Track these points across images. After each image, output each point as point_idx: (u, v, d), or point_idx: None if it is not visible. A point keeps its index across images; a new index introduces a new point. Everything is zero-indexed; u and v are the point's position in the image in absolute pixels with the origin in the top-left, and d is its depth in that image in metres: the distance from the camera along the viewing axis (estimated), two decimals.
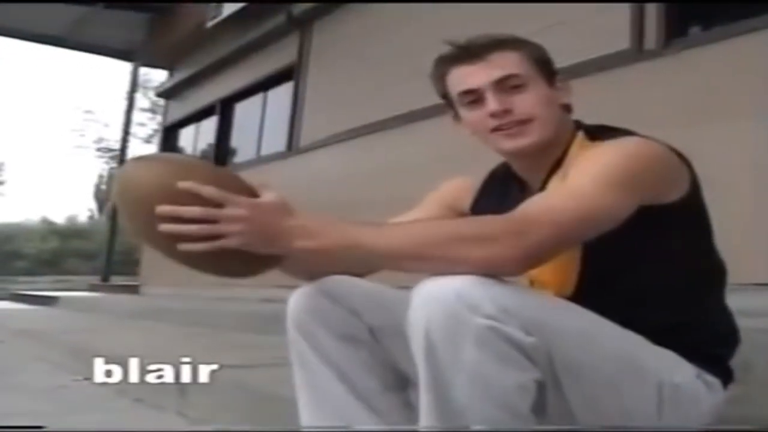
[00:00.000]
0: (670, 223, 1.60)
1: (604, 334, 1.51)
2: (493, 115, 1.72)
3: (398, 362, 1.80)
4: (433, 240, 1.43)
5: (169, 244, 1.51)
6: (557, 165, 1.72)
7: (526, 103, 1.71)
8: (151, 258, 11.73)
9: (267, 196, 1.54)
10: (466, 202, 1.95)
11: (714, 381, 1.63)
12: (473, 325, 1.33)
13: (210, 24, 10.07)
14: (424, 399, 1.40)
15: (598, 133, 1.72)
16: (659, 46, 4.64)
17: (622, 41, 4.81)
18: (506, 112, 1.71)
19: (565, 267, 1.60)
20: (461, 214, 1.93)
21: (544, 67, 1.75)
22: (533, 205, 1.51)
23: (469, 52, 1.75)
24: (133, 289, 11.95)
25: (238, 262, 1.57)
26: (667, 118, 4.16)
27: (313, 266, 1.78)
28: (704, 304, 1.69)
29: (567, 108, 1.80)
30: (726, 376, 1.68)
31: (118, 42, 13.40)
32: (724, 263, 1.74)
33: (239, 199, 1.50)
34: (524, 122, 1.71)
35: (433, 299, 1.36)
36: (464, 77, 1.76)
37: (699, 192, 1.67)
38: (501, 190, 1.88)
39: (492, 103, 1.71)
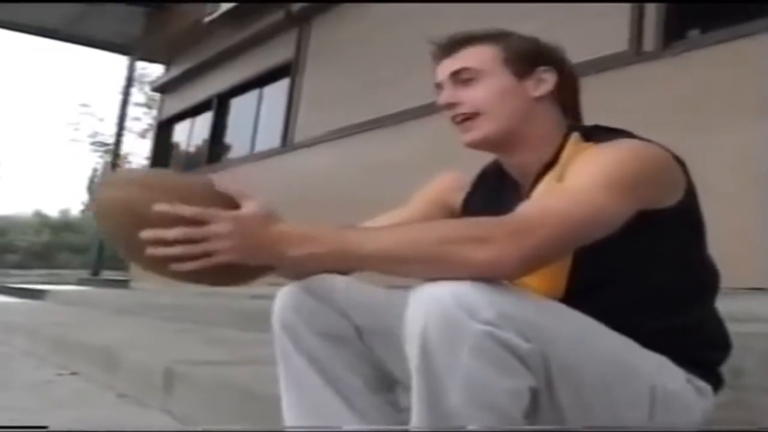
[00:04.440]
0: (665, 228, 1.57)
1: (600, 339, 1.48)
2: (444, 107, 1.74)
3: (384, 362, 1.78)
4: (428, 241, 1.38)
5: (159, 266, 1.50)
6: (550, 164, 1.68)
7: (473, 96, 1.71)
8: None
9: (249, 207, 1.50)
10: (458, 198, 1.91)
11: (704, 386, 1.61)
12: (471, 331, 1.29)
13: (207, 19, 10.05)
14: (416, 401, 1.36)
15: (594, 133, 1.69)
16: (658, 48, 4.62)
17: (621, 43, 4.78)
18: (451, 105, 1.73)
19: (555, 271, 1.56)
20: (452, 210, 1.90)
21: (519, 59, 1.72)
22: (533, 207, 1.48)
23: (442, 48, 1.77)
24: (122, 284, 11.92)
25: (230, 273, 1.55)
26: (665, 120, 4.15)
27: (303, 270, 1.75)
28: (696, 309, 1.65)
29: (562, 103, 1.77)
30: (716, 382, 1.65)
31: (115, 36, 13.38)
32: (717, 269, 1.71)
33: (222, 214, 1.47)
34: (471, 117, 1.71)
35: (432, 302, 1.32)
36: (437, 72, 1.79)
37: (694, 197, 1.64)
38: (493, 188, 1.85)
39: (442, 95, 1.75)
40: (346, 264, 1.55)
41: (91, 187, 42.71)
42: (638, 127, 1.74)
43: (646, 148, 1.58)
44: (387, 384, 1.80)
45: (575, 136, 1.69)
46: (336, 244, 1.45)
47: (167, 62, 12.67)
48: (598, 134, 1.67)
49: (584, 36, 4.84)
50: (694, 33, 4.70)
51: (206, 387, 3.04)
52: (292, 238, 1.47)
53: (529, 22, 5.21)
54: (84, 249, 34.45)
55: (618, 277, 1.59)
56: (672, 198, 1.58)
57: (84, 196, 41.29)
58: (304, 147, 8.11)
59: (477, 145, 1.74)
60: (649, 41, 4.67)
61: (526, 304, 1.39)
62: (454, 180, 1.96)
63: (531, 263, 1.39)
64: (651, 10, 4.68)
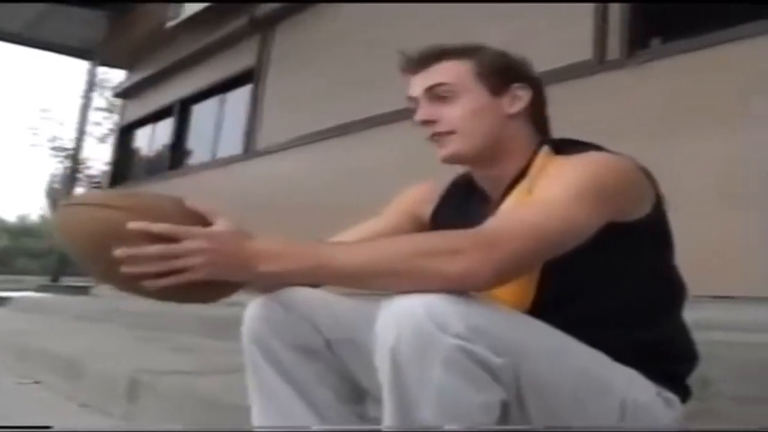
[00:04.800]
0: (633, 240, 1.58)
1: (570, 353, 1.49)
2: (421, 124, 1.75)
3: (354, 374, 1.78)
4: (400, 255, 1.38)
5: (131, 283, 1.48)
6: (520, 176, 1.70)
7: (450, 114, 1.72)
8: None
9: (221, 224, 1.50)
10: (428, 209, 1.92)
11: (673, 398, 1.62)
12: (442, 345, 1.29)
13: (170, 25, 9.97)
14: (387, 413, 1.36)
15: (563, 146, 1.70)
16: (622, 57, 4.64)
17: (585, 52, 4.81)
18: (429, 122, 1.74)
19: (523, 283, 1.56)
20: (422, 222, 1.90)
21: (493, 76, 1.74)
22: (503, 219, 1.49)
23: (414, 62, 1.78)
24: (83, 290, 11.79)
25: (201, 290, 1.53)
26: (629, 129, 4.18)
27: (274, 283, 1.75)
28: (664, 321, 1.67)
29: (533, 118, 1.78)
30: (684, 393, 1.67)
31: (77, 40, 13.22)
32: (683, 281, 1.72)
33: (195, 230, 1.46)
34: (446, 133, 1.73)
35: (403, 315, 1.32)
36: (409, 85, 1.79)
37: (662, 210, 1.66)
38: (463, 199, 1.86)
39: (419, 112, 1.75)
40: (319, 279, 1.54)
41: (50, 192, 42.26)
42: (601, 137, 1.76)
43: (615, 160, 1.59)
44: (356, 395, 1.81)
45: (545, 149, 1.71)
46: (309, 260, 1.45)
47: (129, 67, 12.55)
48: (567, 147, 1.68)
49: (547, 44, 4.87)
50: (656, 42, 4.74)
51: (171, 396, 3.02)
52: (266, 253, 1.46)
53: (492, 30, 5.28)
54: (43, 254, 34.13)
55: (586, 290, 1.60)
56: (640, 210, 1.60)
57: (43, 201, 40.88)
58: (267, 153, 8.06)
59: (452, 160, 1.76)
60: (613, 50, 4.70)
61: (498, 318, 1.40)
62: (424, 192, 1.97)
63: (502, 275, 1.39)
64: (615, 19, 4.70)
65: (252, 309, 1.78)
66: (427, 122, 1.74)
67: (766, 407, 2.25)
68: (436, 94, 1.73)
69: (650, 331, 1.62)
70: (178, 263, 1.45)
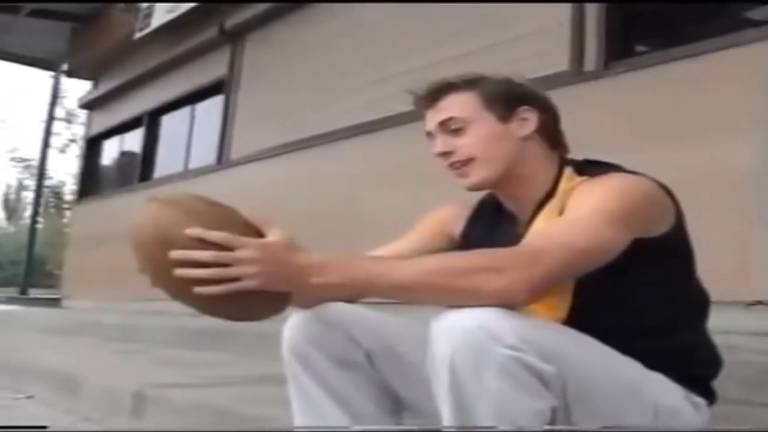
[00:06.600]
0: (658, 254, 1.67)
1: (607, 360, 1.58)
2: (439, 156, 1.84)
3: (394, 386, 1.86)
4: (446, 271, 1.50)
5: (184, 289, 1.55)
6: (546, 197, 1.79)
7: (465, 144, 1.81)
8: (73, 270, 11.56)
9: (274, 234, 1.58)
10: (457, 228, 2.00)
11: (700, 401, 1.72)
12: (496, 355, 1.38)
13: (138, 36, 9.93)
14: (446, 422, 1.44)
15: (586, 167, 1.80)
16: (599, 68, 4.74)
17: (562, 62, 4.91)
18: (447, 153, 1.83)
19: (560, 296, 1.66)
20: (451, 241, 1.98)
21: (499, 102, 1.82)
22: (540, 239, 1.59)
23: (424, 99, 1.87)
24: (53, 303, 11.73)
25: (253, 304, 1.60)
26: (606, 139, 4.25)
27: (319, 298, 1.82)
28: (690, 329, 1.77)
29: (547, 136, 1.86)
30: (711, 397, 1.76)
31: (40, 51, 13.15)
32: (706, 291, 1.82)
33: (248, 241, 1.54)
34: (466, 162, 1.81)
35: (456, 330, 1.41)
36: (426, 121, 1.88)
37: (683, 223, 1.76)
38: (491, 220, 1.95)
39: (437, 145, 1.84)
40: (368, 292, 1.63)
41: (7, 204, 41.78)
42: (580, 147, 1.89)
43: (638, 181, 1.70)
44: (396, 407, 1.89)
45: (569, 170, 1.80)
46: (360, 273, 1.55)
47: (94, 78, 12.48)
48: (590, 169, 1.79)
49: (524, 55, 4.96)
50: (635, 53, 4.83)
51: (178, 409, 3.07)
52: (318, 266, 1.55)
53: (471, 41, 5.38)
54: (1, 267, 33.69)
55: (617, 301, 1.69)
56: (663, 226, 1.70)
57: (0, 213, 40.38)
58: (240, 164, 8.10)
59: (477, 188, 1.86)
60: (590, 61, 4.80)
61: (543, 329, 1.51)
62: (453, 211, 2.05)
63: (538, 292, 1.50)
64: (591, 30, 4.80)
65: (292, 323, 1.86)
66: (445, 153, 1.83)
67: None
68: (448, 127, 1.82)
69: (678, 339, 1.72)
70: (230, 271, 1.52)
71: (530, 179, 1.83)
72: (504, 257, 1.51)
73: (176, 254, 1.52)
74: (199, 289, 1.53)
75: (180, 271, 1.52)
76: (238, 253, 1.52)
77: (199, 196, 1.65)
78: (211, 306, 1.59)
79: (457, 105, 1.82)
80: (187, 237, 1.52)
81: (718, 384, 1.78)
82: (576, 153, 1.90)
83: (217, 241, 1.52)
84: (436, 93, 1.85)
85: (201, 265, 1.51)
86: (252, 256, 1.53)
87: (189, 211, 1.57)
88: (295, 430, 1.88)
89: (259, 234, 1.58)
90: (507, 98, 1.83)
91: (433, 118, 1.85)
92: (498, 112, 1.81)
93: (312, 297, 1.79)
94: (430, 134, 1.88)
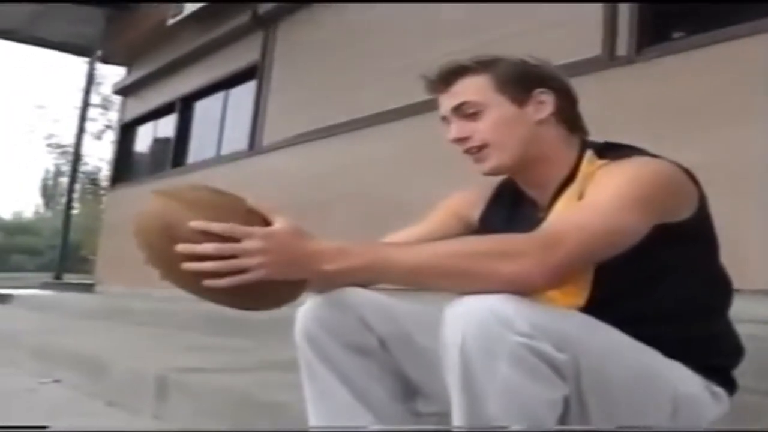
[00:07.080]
0: (680, 240, 1.63)
1: (625, 349, 1.54)
2: (454, 141, 1.79)
3: (407, 372, 1.83)
4: (461, 255, 1.46)
5: (192, 282, 1.52)
6: (567, 181, 1.74)
7: (479, 129, 1.77)
8: (106, 256, 11.63)
9: (280, 223, 1.54)
10: (475, 213, 1.96)
11: (720, 391, 1.67)
12: (508, 342, 1.35)
13: (171, 22, 9.96)
14: (456, 409, 1.40)
15: (606, 151, 1.75)
16: (631, 53, 4.67)
17: (594, 48, 4.85)
18: (463, 139, 1.79)
19: (579, 282, 1.61)
20: (470, 225, 1.95)
21: (514, 85, 1.77)
22: (560, 222, 1.55)
23: (437, 82, 1.82)
24: (87, 288, 11.81)
25: (265, 292, 1.57)
26: (638, 124, 4.20)
27: (332, 284, 1.78)
28: (712, 317, 1.72)
29: (564, 119, 1.81)
30: (731, 387, 1.71)
31: (75, 37, 13.21)
32: (730, 278, 1.77)
33: (253, 230, 1.51)
34: (481, 148, 1.77)
35: (468, 316, 1.38)
36: (439, 105, 1.84)
37: (706, 208, 1.71)
38: (510, 204, 1.91)
39: (451, 130, 1.80)
40: (380, 277, 1.59)
41: (45, 189, 42.23)
42: (612, 131, 1.82)
43: (660, 165, 1.65)
44: (409, 393, 1.85)
45: (589, 153, 1.75)
46: (372, 258, 1.52)
47: (128, 64, 12.54)
48: (610, 152, 1.73)
49: (557, 41, 4.90)
50: (668, 38, 4.76)
51: (202, 393, 3.06)
52: (328, 252, 1.51)
53: (502, 28, 5.32)
54: (39, 251, 34.12)
55: (637, 289, 1.64)
56: (686, 211, 1.65)
57: (38, 199, 40.83)
58: (272, 150, 8.08)
59: (494, 173, 1.82)
60: (623, 46, 4.73)
61: (557, 316, 1.46)
62: (470, 196, 2.01)
63: (558, 277, 1.46)
64: (624, 15, 4.73)
65: (305, 309, 1.82)
66: (459, 139, 1.79)
67: None
68: (463, 112, 1.78)
69: (700, 327, 1.67)
70: (236, 263, 1.49)
71: (549, 163, 1.78)
72: (520, 241, 1.47)
73: (181, 248, 1.49)
74: (207, 282, 1.50)
75: (186, 265, 1.49)
76: (243, 244, 1.49)
77: (202, 185, 1.62)
78: (223, 297, 1.56)
79: (470, 89, 1.78)
80: (191, 230, 1.49)
81: (739, 373, 1.73)
82: (609, 137, 1.84)
83: (220, 232, 1.49)
84: (449, 76, 1.80)
85: (207, 258, 1.48)
86: (257, 246, 1.49)
87: (192, 202, 1.54)
88: (311, 430, 1.84)
89: (265, 222, 1.55)
90: (522, 80, 1.78)
91: (447, 102, 1.81)
92: (512, 96, 1.77)
93: (327, 283, 1.75)
94: (444, 119, 1.83)
